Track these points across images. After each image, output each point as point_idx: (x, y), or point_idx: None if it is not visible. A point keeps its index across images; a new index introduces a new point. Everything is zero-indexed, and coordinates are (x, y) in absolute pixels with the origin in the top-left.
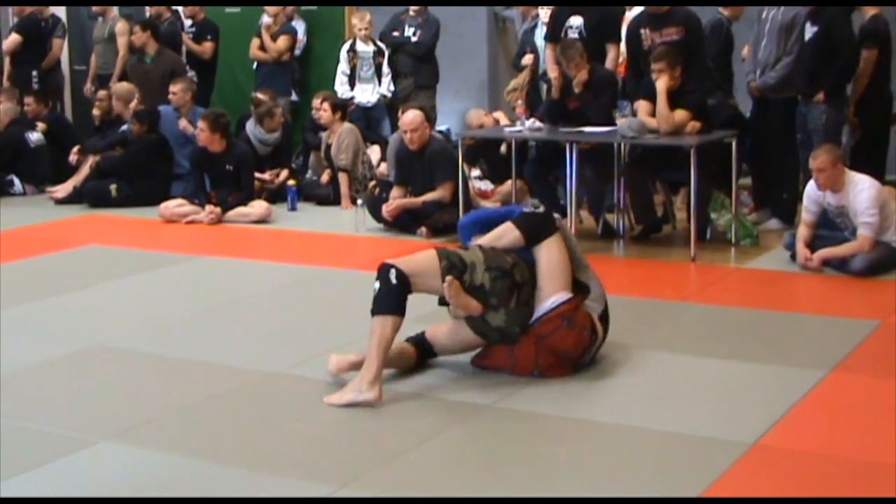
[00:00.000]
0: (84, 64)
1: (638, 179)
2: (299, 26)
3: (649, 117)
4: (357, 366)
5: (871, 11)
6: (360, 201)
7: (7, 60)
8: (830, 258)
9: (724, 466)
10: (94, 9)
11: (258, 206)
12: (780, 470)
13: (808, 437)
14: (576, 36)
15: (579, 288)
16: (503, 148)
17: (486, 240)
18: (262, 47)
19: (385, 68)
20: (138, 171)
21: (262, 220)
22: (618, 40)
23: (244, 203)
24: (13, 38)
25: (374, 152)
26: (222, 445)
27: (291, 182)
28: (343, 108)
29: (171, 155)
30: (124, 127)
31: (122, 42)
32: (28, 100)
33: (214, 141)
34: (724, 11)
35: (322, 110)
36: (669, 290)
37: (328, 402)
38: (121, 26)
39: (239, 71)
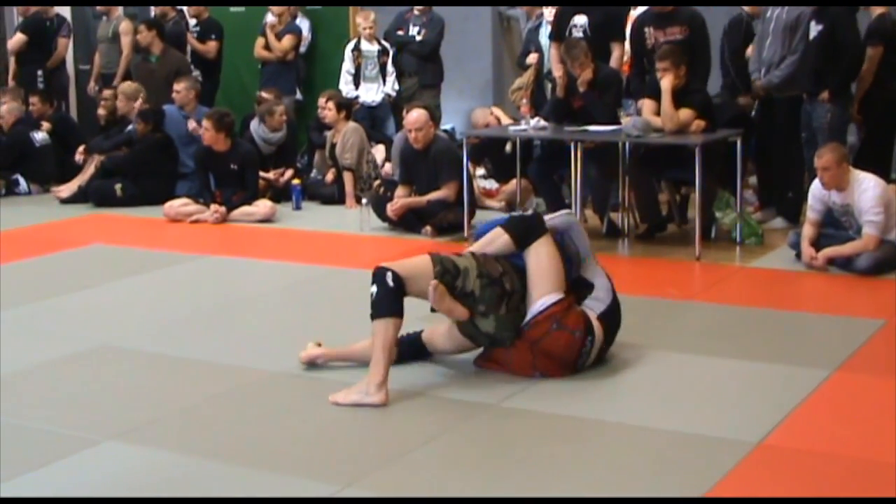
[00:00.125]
0: (89, 63)
1: (643, 178)
2: (304, 24)
3: (654, 116)
4: (326, 357)
5: (878, 10)
6: (364, 200)
7: (12, 60)
8: (835, 257)
9: (729, 466)
10: (99, 8)
11: (263, 206)
12: (784, 469)
13: (812, 436)
14: (580, 35)
15: (582, 286)
16: (508, 147)
17: (477, 245)
18: (267, 47)
19: (389, 67)
20: (143, 171)
21: (266, 220)
22: (622, 39)
23: (249, 202)
24: (18, 38)
25: (378, 151)
26: (226, 445)
27: (296, 181)
28: (348, 108)
29: (176, 154)
30: (129, 127)
31: (125, 42)
32: (33, 99)
33: (219, 140)
34: (746, 8)
35: (327, 109)
36: (674, 289)
37: (333, 401)
38: (125, 26)
39: (244, 70)
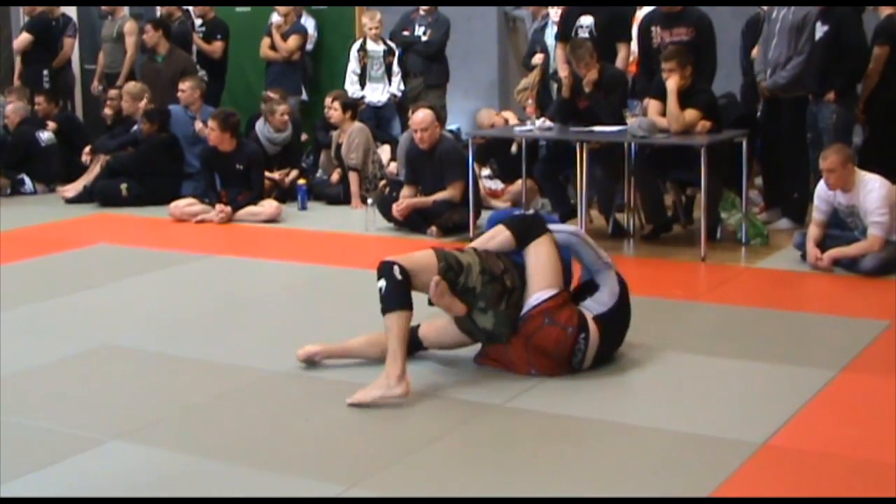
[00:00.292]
0: (94, 63)
1: (648, 179)
2: (309, 23)
3: (660, 117)
4: (324, 353)
5: (886, 11)
6: (370, 200)
7: (18, 59)
8: (841, 258)
9: (734, 466)
10: (104, 8)
11: (268, 206)
12: (790, 470)
13: (817, 437)
14: (586, 35)
15: (590, 288)
16: (514, 147)
17: (478, 241)
18: (273, 47)
19: (395, 68)
20: (148, 171)
21: (272, 220)
22: (628, 39)
23: (254, 202)
24: (24, 38)
25: (384, 152)
26: (231, 445)
27: (302, 181)
28: (353, 108)
29: (182, 154)
30: (135, 127)
31: (130, 42)
32: (39, 99)
33: (225, 140)
34: (765, 7)
35: (333, 109)
36: (679, 290)
37: (352, 402)
38: (129, 26)
39: (249, 70)
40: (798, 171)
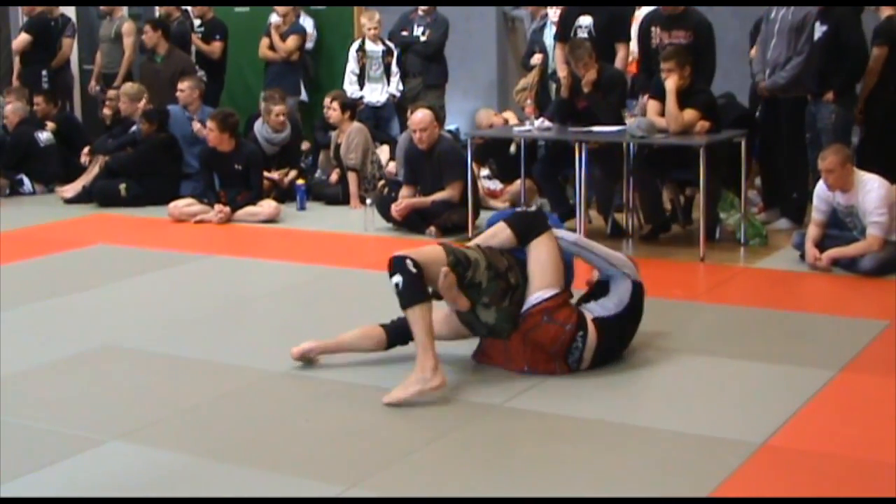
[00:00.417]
0: (93, 63)
1: (647, 179)
2: (307, 23)
3: (658, 117)
4: (318, 350)
5: (886, 12)
6: (369, 201)
7: (17, 60)
8: (840, 258)
9: (733, 466)
10: (102, 8)
11: (267, 206)
12: (789, 470)
13: (817, 437)
14: (585, 35)
15: (599, 289)
16: (512, 147)
17: (480, 238)
18: (272, 47)
19: (394, 68)
20: (147, 171)
21: (271, 220)
22: (627, 40)
23: (253, 202)
24: (23, 38)
25: (383, 152)
26: (231, 445)
27: (300, 181)
28: (352, 108)
29: (181, 154)
30: (134, 127)
31: (128, 42)
32: (38, 99)
33: (223, 140)
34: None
35: (331, 109)
36: (678, 290)
37: (388, 402)
38: (127, 26)
39: (248, 71)
40: (797, 171)
